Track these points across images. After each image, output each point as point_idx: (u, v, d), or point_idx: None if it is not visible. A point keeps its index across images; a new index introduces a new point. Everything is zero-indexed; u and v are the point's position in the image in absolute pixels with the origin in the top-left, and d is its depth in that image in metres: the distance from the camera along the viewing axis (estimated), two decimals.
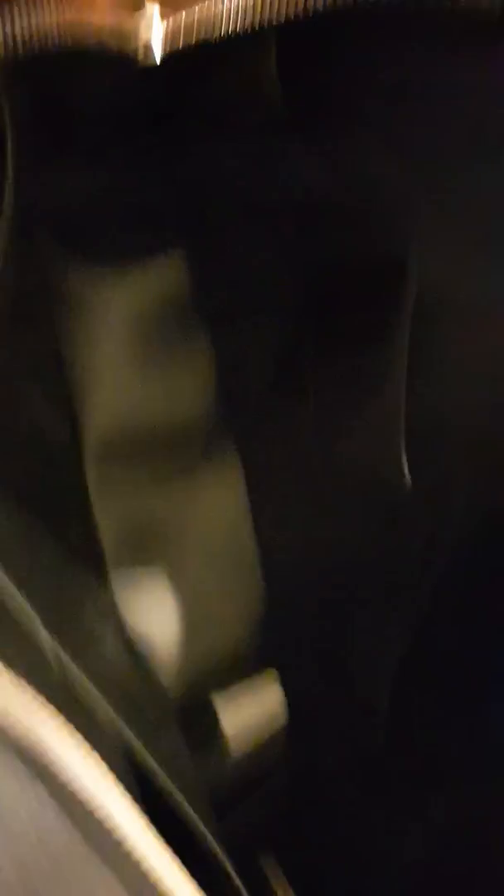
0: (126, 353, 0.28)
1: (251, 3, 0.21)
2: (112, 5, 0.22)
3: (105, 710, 0.19)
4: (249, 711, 0.29)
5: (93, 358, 0.27)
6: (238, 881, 0.20)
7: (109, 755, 0.17)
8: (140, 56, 0.22)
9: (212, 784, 0.28)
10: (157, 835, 0.16)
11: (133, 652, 0.27)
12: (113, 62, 0.22)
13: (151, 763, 0.19)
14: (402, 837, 0.25)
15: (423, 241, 0.24)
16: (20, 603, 0.18)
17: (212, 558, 0.29)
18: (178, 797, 0.19)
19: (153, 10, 0.22)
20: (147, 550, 0.29)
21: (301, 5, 0.21)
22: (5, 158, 0.24)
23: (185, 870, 0.16)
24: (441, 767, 0.24)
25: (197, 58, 0.23)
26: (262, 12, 0.21)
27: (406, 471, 0.25)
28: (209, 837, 0.19)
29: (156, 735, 0.23)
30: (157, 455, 0.29)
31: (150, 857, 0.15)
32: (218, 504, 0.30)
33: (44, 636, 0.18)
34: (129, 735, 0.19)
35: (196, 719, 0.29)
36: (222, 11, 0.22)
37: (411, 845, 0.24)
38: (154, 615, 0.28)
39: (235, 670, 0.29)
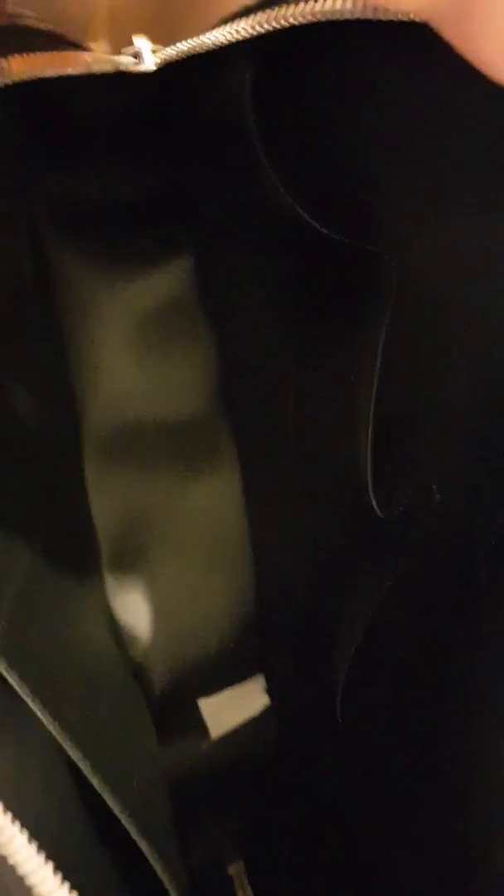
0: (127, 351, 0.29)
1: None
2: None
3: (46, 717, 0.19)
4: (231, 702, 0.29)
5: (94, 355, 0.28)
6: None
7: (32, 755, 0.17)
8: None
9: (192, 765, 0.28)
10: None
11: (117, 645, 0.27)
12: (110, 76, 0.23)
13: (93, 775, 0.19)
14: (398, 834, 0.24)
15: (415, 239, 0.23)
16: None
17: (204, 553, 0.30)
18: (125, 816, 0.19)
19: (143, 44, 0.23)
20: (140, 544, 0.29)
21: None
22: (15, 168, 0.26)
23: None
24: (438, 764, 0.23)
25: (188, 73, 0.24)
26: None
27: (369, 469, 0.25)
28: (141, 835, 0.19)
29: (115, 739, 0.23)
30: (155, 450, 0.29)
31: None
32: (212, 500, 0.30)
33: None
34: (70, 743, 0.19)
35: (178, 709, 0.29)
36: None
37: (407, 841, 0.24)
38: (143, 609, 0.29)
39: (222, 667, 0.29)
